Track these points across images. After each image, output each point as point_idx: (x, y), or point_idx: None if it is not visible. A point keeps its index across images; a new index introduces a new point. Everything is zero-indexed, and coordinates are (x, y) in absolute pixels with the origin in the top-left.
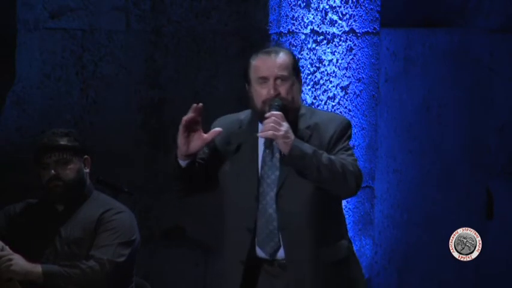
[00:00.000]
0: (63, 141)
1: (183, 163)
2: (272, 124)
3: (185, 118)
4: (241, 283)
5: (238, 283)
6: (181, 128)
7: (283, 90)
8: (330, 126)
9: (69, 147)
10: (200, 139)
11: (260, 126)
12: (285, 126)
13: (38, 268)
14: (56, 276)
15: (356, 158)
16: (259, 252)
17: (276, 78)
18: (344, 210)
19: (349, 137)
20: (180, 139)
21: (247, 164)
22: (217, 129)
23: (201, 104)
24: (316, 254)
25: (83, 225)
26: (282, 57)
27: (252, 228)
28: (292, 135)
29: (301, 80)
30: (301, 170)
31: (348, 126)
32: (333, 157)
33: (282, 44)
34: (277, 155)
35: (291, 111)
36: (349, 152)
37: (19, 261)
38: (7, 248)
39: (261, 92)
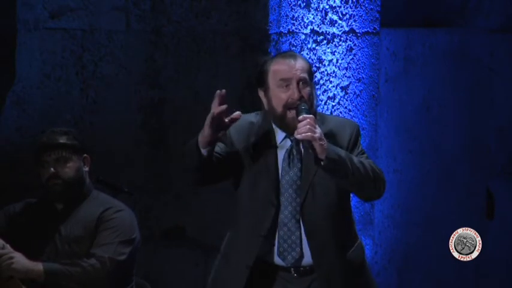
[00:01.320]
0: (63, 140)
1: (204, 151)
2: (308, 126)
3: (216, 111)
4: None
5: (242, 287)
6: (210, 119)
7: (305, 93)
8: (344, 132)
9: (69, 146)
10: (221, 124)
11: (278, 132)
12: (319, 128)
13: (39, 266)
14: (57, 275)
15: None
16: (279, 261)
17: (298, 81)
18: None
19: (360, 141)
20: (209, 130)
21: (265, 172)
22: (237, 113)
23: (224, 91)
24: (343, 257)
25: (83, 223)
26: (301, 61)
27: (265, 234)
28: (324, 138)
29: (313, 86)
30: (336, 174)
31: (359, 130)
32: (362, 160)
33: (281, 44)
34: (298, 164)
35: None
36: (365, 155)
37: (20, 260)
38: (8, 246)
39: (281, 96)
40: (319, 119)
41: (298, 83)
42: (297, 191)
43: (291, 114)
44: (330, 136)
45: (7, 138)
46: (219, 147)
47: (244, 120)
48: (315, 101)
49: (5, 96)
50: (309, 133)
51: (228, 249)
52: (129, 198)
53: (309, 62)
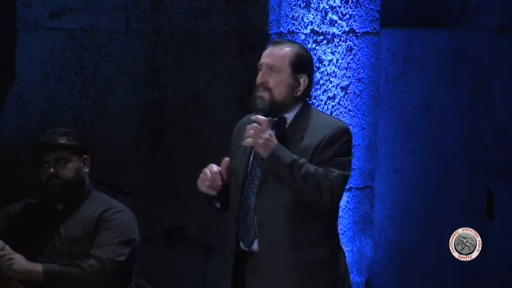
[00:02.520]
0: (63, 140)
1: (217, 203)
2: (252, 131)
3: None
4: (233, 273)
5: (231, 274)
6: (207, 189)
7: (271, 80)
8: (320, 132)
9: (69, 146)
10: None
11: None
12: (267, 133)
13: (38, 267)
14: (56, 275)
15: (343, 172)
16: (242, 242)
17: (267, 68)
18: (344, 211)
19: (344, 144)
20: (204, 191)
21: (243, 156)
22: (225, 159)
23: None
24: (289, 255)
25: (82, 224)
26: (283, 49)
27: (238, 218)
28: (273, 143)
29: (304, 80)
30: (276, 178)
31: (342, 132)
32: (312, 169)
33: None
34: None
35: (275, 105)
36: (339, 162)
37: (20, 261)
38: (7, 247)
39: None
40: (310, 114)
41: (266, 69)
42: (258, 174)
43: (256, 96)
44: (308, 132)
45: (7, 138)
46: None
47: (249, 116)
48: (287, 92)
49: (5, 96)
50: (250, 139)
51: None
52: (129, 198)
53: (302, 53)
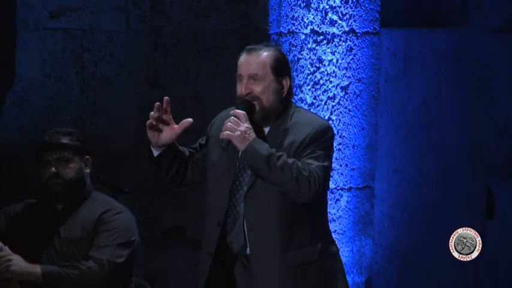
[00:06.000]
0: (65, 140)
1: (155, 152)
2: (229, 124)
3: (148, 122)
4: (208, 274)
5: (206, 274)
6: (147, 126)
7: (256, 89)
8: (303, 130)
9: (71, 146)
10: (171, 130)
11: None
12: (244, 126)
13: (37, 269)
14: (55, 277)
15: (322, 163)
16: (232, 248)
17: (249, 77)
18: (344, 211)
19: (326, 141)
20: (148, 134)
21: (229, 158)
22: (188, 120)
23: (159, 104)
24: (281, 258)
25: (82, 225)
26: (261, 56)
27: (221, 222)
28: (251, 136)
29: (286, 81)
30: (254, 170)
31: (324, 131)
32: (290, 161)
33: (281, 44)
34: None
35: (265, 112)
36: (319, 156)
37: (18, 262)
38: (6, 248)
39: (237, 89)
40: (293, 113)
41: (248, 79)
42: (246, 179)
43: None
44: (290, 131)
45: (7, 138)
46: (202, 141)
47: (229, 111)
48: (274, 97)
49: (5, 96)
50: (227, 132)
51: (201, 238)
52: (129, 198)
53: (279, 56)
